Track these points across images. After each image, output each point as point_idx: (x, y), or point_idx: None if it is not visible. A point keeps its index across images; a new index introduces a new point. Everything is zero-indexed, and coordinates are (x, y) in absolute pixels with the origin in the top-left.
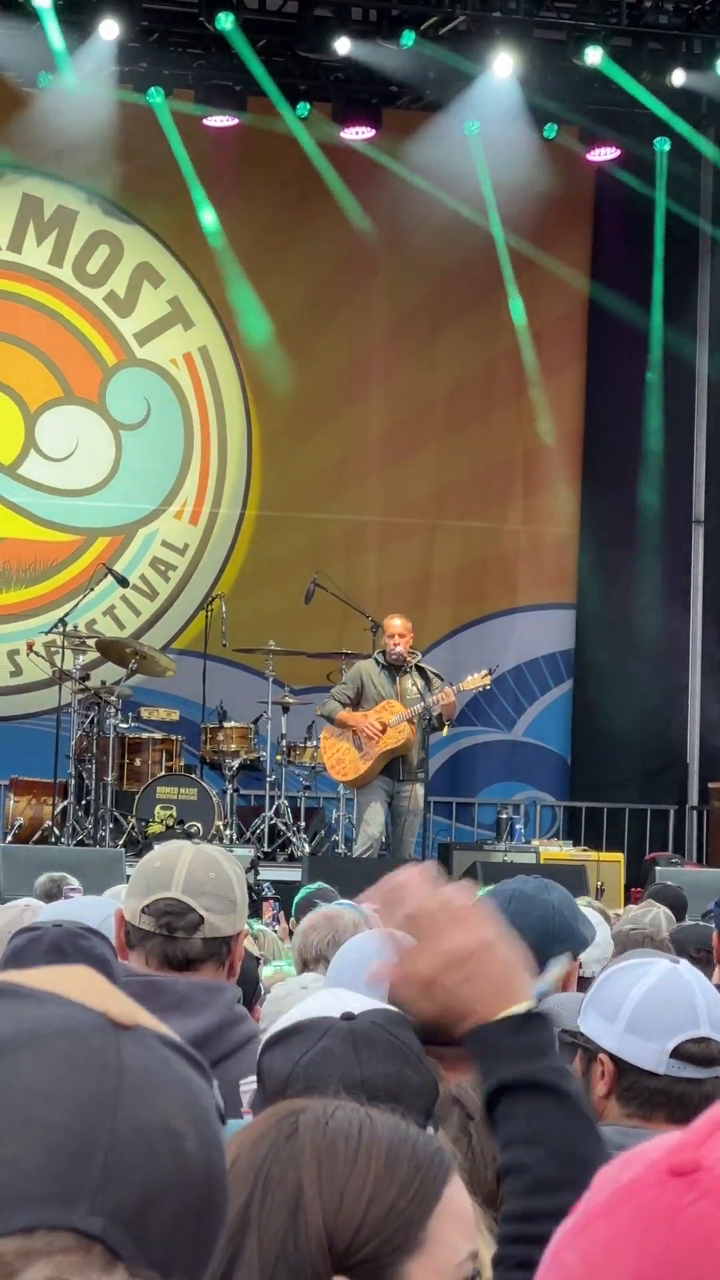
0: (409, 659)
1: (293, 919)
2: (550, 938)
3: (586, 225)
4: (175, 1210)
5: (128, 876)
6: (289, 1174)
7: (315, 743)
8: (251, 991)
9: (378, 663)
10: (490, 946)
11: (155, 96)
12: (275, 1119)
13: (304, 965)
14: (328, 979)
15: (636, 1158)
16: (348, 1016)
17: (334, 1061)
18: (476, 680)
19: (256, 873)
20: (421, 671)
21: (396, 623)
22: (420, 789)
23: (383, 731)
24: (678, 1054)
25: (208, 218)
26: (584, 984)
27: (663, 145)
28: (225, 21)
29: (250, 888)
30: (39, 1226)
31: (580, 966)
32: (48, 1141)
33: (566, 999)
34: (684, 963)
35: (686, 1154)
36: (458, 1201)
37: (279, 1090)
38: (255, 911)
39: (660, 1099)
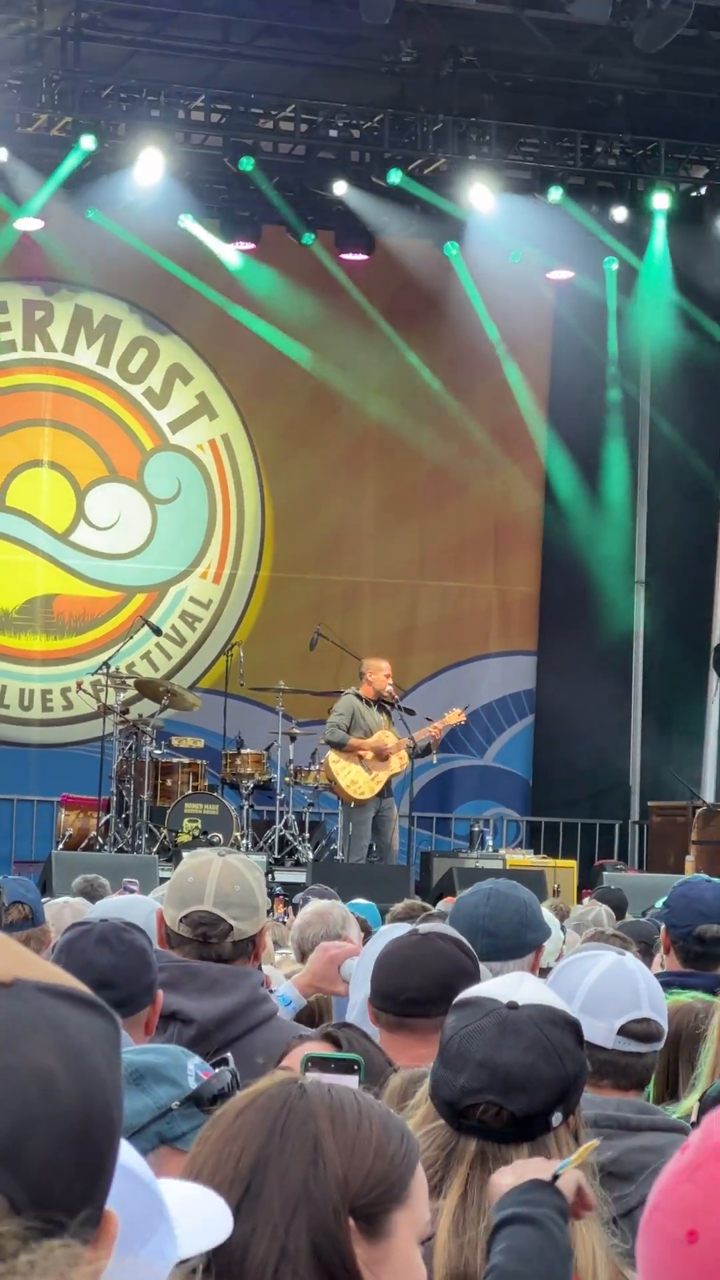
0: (393, 697)
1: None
2: (525, 926)
3: (548, 334)
4: (50, 1142)
5: (161, 879)
6: (307, 1125)
7: (318, 766)
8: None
9: (359, 697)
10: None
11: (186, 221)
12: (281, 1082)
13: (302, 953)
14: (358, 962)
15: None
16: (512, 1005)
17: (481, 1041)
18: (454, 717)
19: (271, 876)
20: (402, 708)
21: (383, 665)
22: (394, 801)
23: (386, 760)
24: (624, 1031)
25: (227, 328)
26: (544, 973)
27: (611, 264)
28: (247, 164)
29: (269, 887)
30: None
31: (542, 954)
32: None
33: (612, 987)
34: (629, 954)
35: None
36: (421, 1170)
37: (443, 1049)
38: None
39: (608, 1069)
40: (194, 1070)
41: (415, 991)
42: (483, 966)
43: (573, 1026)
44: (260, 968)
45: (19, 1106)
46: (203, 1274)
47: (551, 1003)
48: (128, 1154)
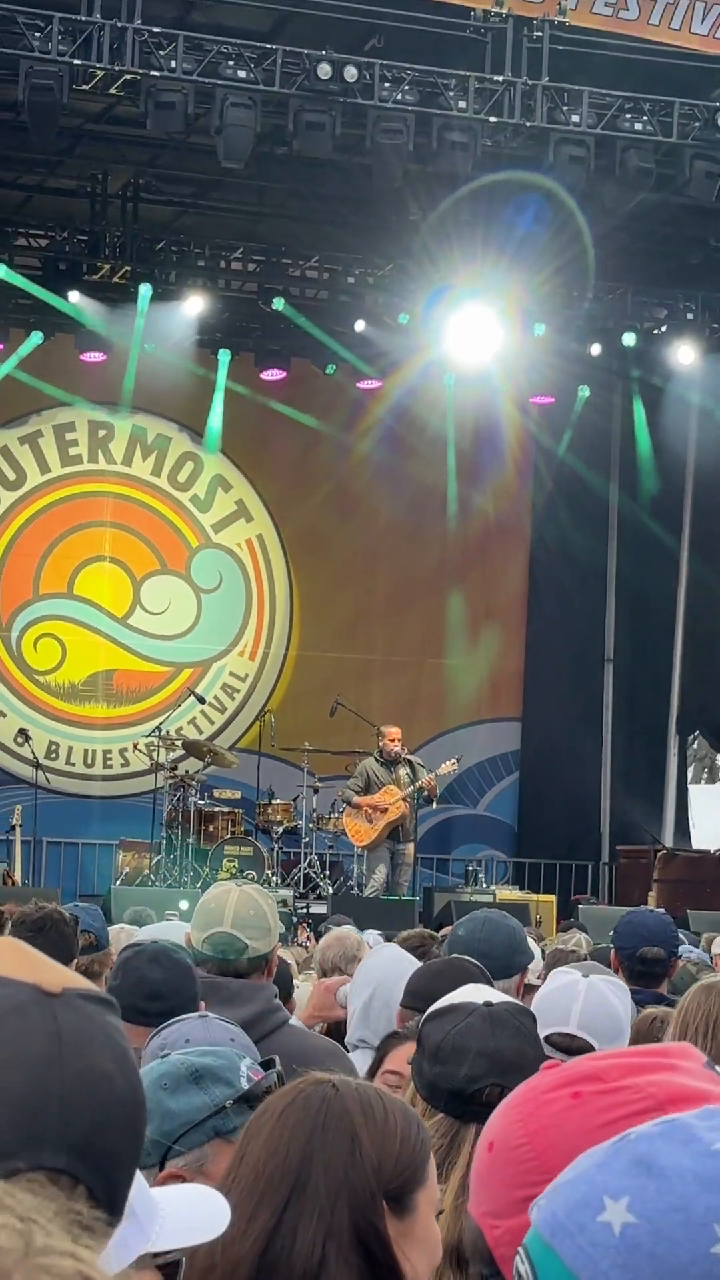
0: (401, 755)
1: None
2: (514, 950)
3: (531, 448)
4: (114, 1134)
5: None
6: (344, 1120)
7: (337, 815)
8: (286, 990)
9: (376, 759)
10: None
11: (224, 356)
12: (313, 1083)
13: (323, 972)
14: (354, 979)
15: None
16: (488, 1004)
17: (475, 1034)
18: (448, 766)
19: (294, 908)
20: (410, 763)
21: (393, 730)
22: (411, 847)
23: (383, 813)
24: (549, 1041)
25: (259, 445)
26: (528, 989)
27: (584, 392)
28: (279, 304)
29: (291, 918)
30: (20, 1169)
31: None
32: (11, 1102)
33: (549, 1005)
34: (593, 977)
35: (563, 1064)
36: (432, 1155)
37: (434, 1050)
38: (294, 934)
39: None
40: (245, 1071)
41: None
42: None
43: (534, 1018)
44: (273, 981)
45: (93, 1106)
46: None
47: (513, 1000)
48: None
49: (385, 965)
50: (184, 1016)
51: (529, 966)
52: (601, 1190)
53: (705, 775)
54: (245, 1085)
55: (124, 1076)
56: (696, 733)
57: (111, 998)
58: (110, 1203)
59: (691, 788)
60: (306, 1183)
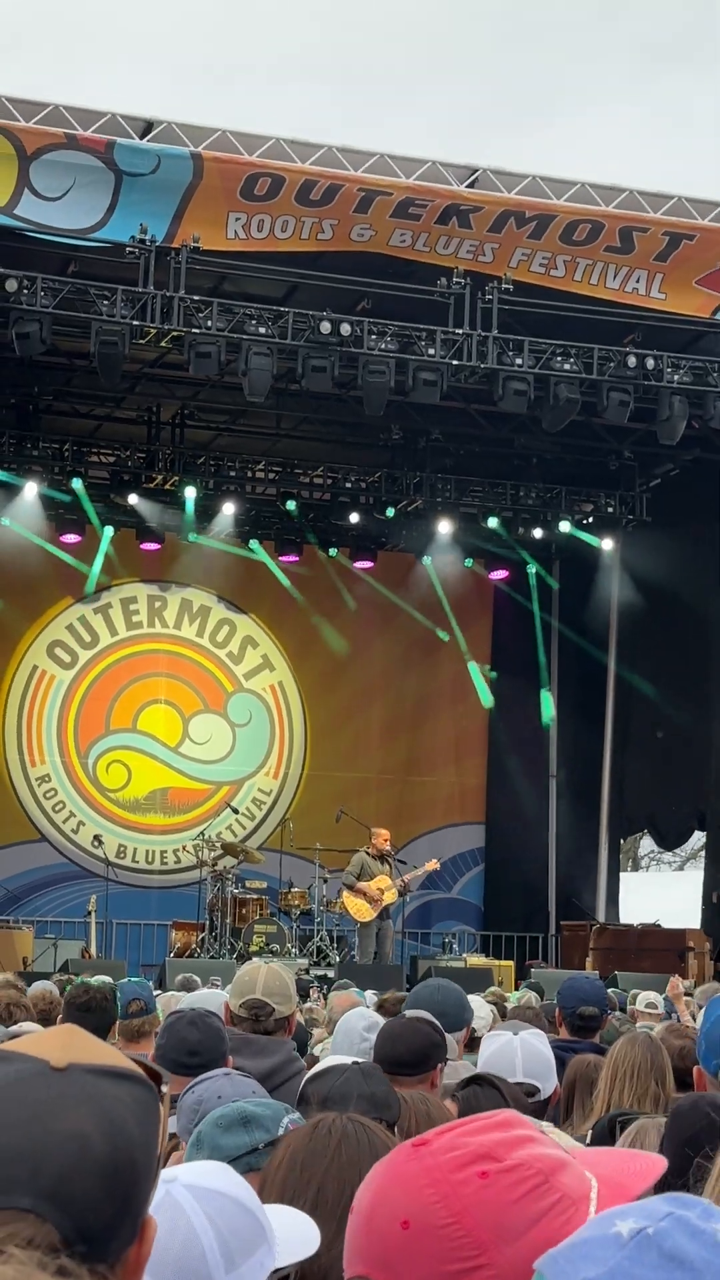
0: (389, 854)
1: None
2: (462, 1009)
3: (489, 613)
4: (87, 1185)
5: None
6: (378, 1152)
7: (341, 898)
8: (304, 1042)
9: (368, 853)
10: None
11: (254, 544)
12: (332, 1118)
13: (332, 1022)
14: (335, 1035)
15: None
16: (356, 1063)
17: (354, 1084)
18: (431, 865)
19: (308, 972)
20: (392, 862)
21: (383, 832)
22: (391, 923)
23: (382, 895)
24: None
25: (280, 612)
26: (474, 1041)
27: (532, 568)
28: (291, 505)
29: (303, 982)
30: None
31: (474, 1030)
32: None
33: (496, 1060)
34: (522, 1033)
35: (427, 1136)
36: None
37: (321, 1101)
38: (306, 994)
39: (516, 1091)
40: (287, 1123)
41: (404, 1054)
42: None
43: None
44: (294, 1037)
45: (61, 1161)
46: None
47: (370, 1063)
48: (239, 1186)
49: (353, 1018)
50: (213, 1073)
51: (472, 1022)
52: None
53: (655, 864)
54: (281, 1133)
55: (102, 1136)
56: (643, 831)
57: (128, 1069)
58: (85, 1238)
59: (625, 874)
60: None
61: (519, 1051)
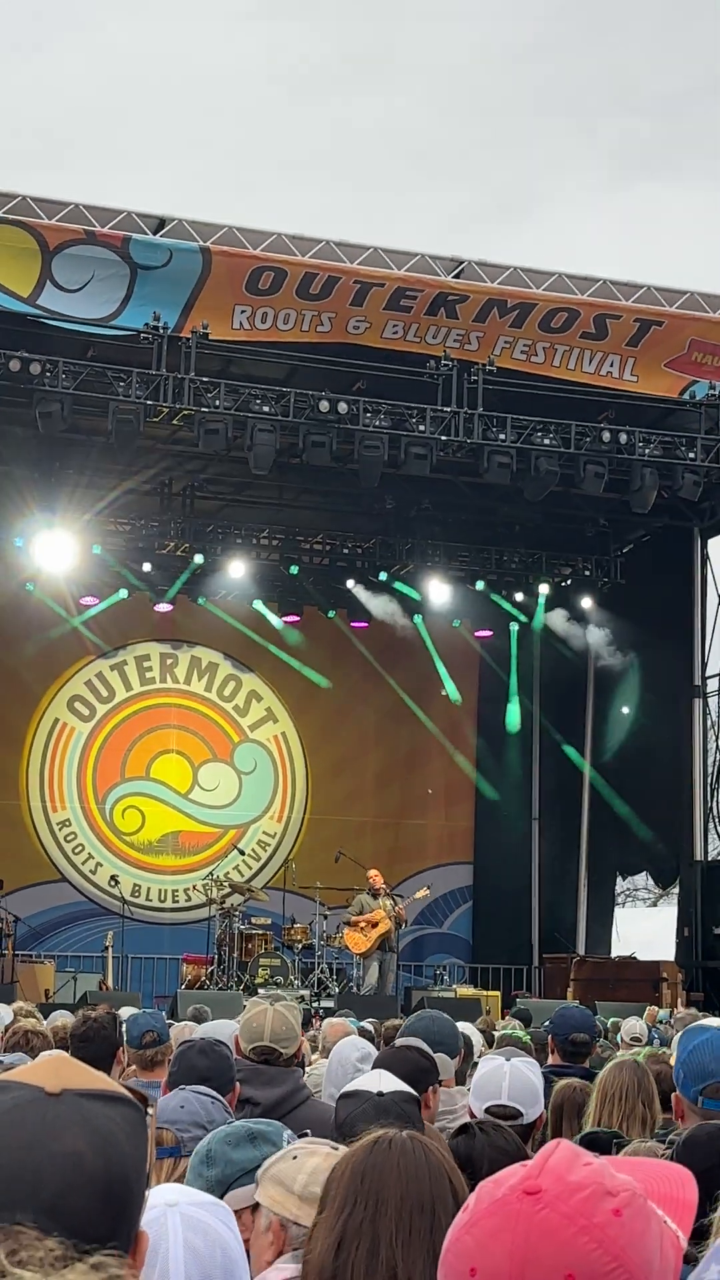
0: (383, 890)
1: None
2: (455, 1037)
3: (476, 669)
4: (84, 1200)
5: (243, 1006)
6: (443, 1169)
7: (341, 934)
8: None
9: (368, 892)
10: None
11: (257, 604)
12: (391, 1134)
13: (325, 1049)
14: (329, 1065)
15: (503, 1178)
16: (380, 1094)
17: (366, 1118)
18: (423, 892)
19: (309, 1003)
20: (390, 895)
21: (375, 873)
22: (394, 956)
23: (374, 927)
24: (489, 1111)
25: (283, 669)
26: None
27: (515, 627)
28: (294, 570)
29: (307, 1010)
30: (3, 1224)
31: (466, 1056)
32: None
33: (484, 1083)
34: (514, 1059)
35: (531, 1180)
36: None
37: (341, 1123)
38: (308, 1022)
39: (510, 1135)
40: (288, 1138)
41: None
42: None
43: (417, 1102)
44: (302, 1069)
45: (58, 1178)
46: None
47: (404, 1089)
48: (230, 1229)
49: (345, 1049)
50: (176, 1093)
51: (463, 1048)
52: None
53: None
54: (287, 1145)
55: (95, 1154)
56: (644, 873)
57: (117, 1092)
58: (87, 1239)
59: (618, 910)
60: (432, 1225)
61: (507, 1076)
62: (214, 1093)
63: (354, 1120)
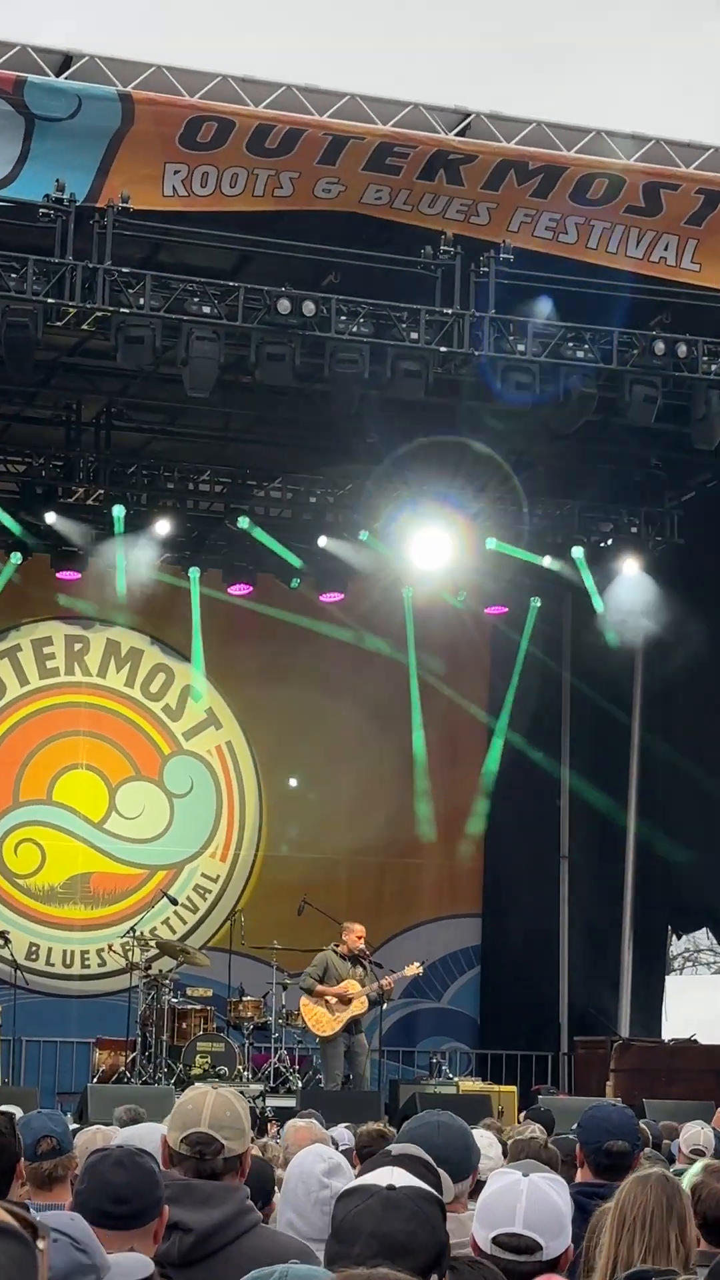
0: (364, 955)
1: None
2: (469, 1151)
3: (486, 659)
4: None
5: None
6: None
7: (300, 1009)
8: (267, 1190)
9: (335, 952)
10: None
11: (193, 574)
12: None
13: (285, 1161)
14: (286, 1179)
15: None
16: (390, 1187)
17: (371, 1216)
18: (412, 970)
19: (265, 1101)
20: (370, 963)
21: (358, 928)
22: (364, 1036)
23: (348, 1004)
24: (496, 1242)
25: (228, 656)
26: (479, 1186)
27: (535, 603)
28: (243, 523)
29: (260, 1112)
30: None
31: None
32: None
33: (494, 1205)
34: (533, 1175)
35: None
36: None
37: (336, 1229)
38: (263, 1130)
39: (491, 1274)
40: None
41: None
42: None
43: (440, 1204)
44: (254, 1181)
45: None
46: None
47: (419, 1185)
48: None
49: (308, 1160)
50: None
51: (479, 1165)
52: None
53: (690, 966)
54: None
55: None
56: (704, 929)
57: (13, 1227)
58: None
59: (670, 978)
60: None
61: (524, 1196)
62: (74, 1228)
63: (356, 1222)
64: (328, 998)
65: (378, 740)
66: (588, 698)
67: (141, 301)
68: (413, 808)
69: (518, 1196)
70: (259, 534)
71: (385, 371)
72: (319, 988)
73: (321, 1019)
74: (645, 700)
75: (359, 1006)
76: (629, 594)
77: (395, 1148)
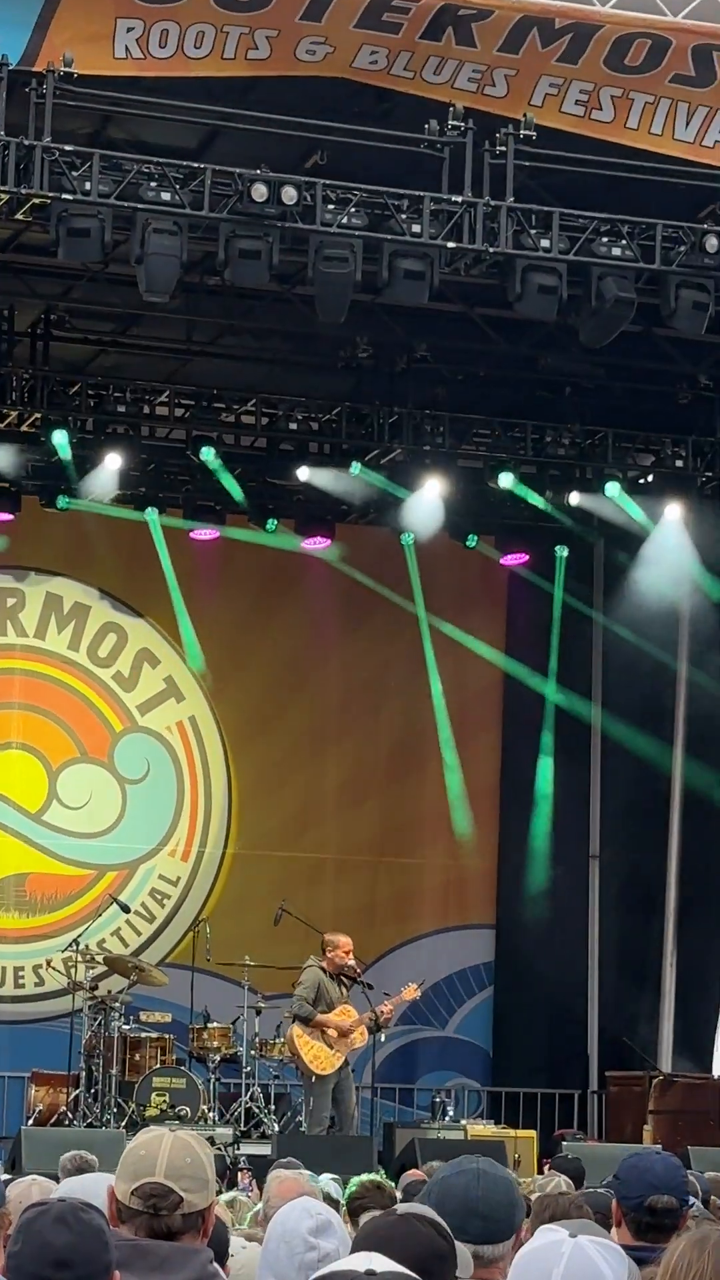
0: (355, 972)
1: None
2: (514, 1206)
3: (501, 617)
4: None
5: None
6: None
7: (283, 1039)
8: (221, 1253)
9: (323, 971)
10: None
11: (151, 514)
12: None
13: (267, 1218)
14: (266, 1240)
15: None
16: (370, 1273)
17: None
18: (410, 992)
19: (237, 1147)
20: (363, 983)
21: (344, 940)
22: (350, 1071)
23: (346, 1036)
24: None
25: (191, 613)
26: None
27: (562, 552)
28: (208, 454)
29: (230, 1161)
30: None
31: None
32: None
33: (528, 1267)
34: (581, 1238)
35: None
36: None
37: None
38: (233, 1180)
39: None
40: None
41: None
42: (471, 1248)
43: None
44: (209, 1244)
45: None
46: None
47: (402, 1270)
48: None
49: (292, 1216)
50: None
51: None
52: None
53: None
54: None
55: None
56: None
57: None
58: None
59: None
60: None
61: (564, 1261)
62: None
63: None
64: (327, 1029)
65: (371, 713)
66: (625, 657)
67: (88, 186)
68: (414, 795)
69: (556, 1261)
70: (224, 476)
71: (381, 271)
72: (319, 1016)
73: (321, 1055)
74: (692, 658)
75: (359, 1039)
76: (674, 540)
77: (401, 1207)
